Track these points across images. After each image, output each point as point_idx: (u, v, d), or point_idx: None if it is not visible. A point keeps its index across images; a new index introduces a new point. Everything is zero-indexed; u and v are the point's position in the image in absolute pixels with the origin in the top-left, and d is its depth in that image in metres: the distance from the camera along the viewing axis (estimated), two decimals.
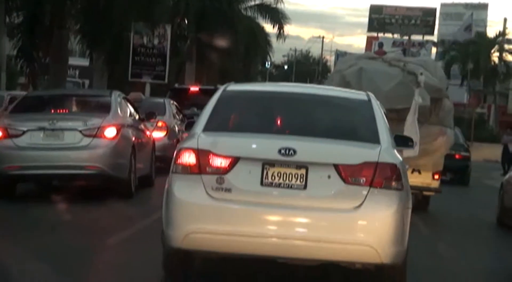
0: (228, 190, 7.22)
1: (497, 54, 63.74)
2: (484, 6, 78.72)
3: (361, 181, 7.22)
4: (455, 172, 25.10)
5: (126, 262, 8.99)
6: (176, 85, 30.18)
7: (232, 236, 7.17)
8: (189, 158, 7.32)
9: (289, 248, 7.21)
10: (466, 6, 78.50)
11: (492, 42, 64.13)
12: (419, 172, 14.80)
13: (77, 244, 9.86)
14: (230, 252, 7.36)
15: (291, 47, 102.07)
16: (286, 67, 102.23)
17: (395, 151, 7.72)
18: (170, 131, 20.89)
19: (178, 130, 21.77)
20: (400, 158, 7.64)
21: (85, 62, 33.93)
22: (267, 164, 7.24)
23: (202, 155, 7.28)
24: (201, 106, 29.75)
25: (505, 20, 63.92)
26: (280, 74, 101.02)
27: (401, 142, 8.28)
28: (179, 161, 7.38)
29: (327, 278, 8.52)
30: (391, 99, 13.12)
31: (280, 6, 43.29)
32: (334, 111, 8.25)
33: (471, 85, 67.15)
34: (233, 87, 8.52)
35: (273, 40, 45.86)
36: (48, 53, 25.21)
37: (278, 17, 43.42)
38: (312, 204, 7.21)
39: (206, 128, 7.64)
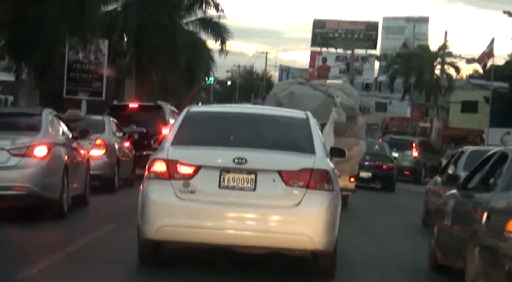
0: (193, 192, 8.89)
1: (439, 67, 63.94)
2: (425, 20, 79.17)
3: (300, 183, 8.92)
4: (383, 180, 30.41)
5: None
6: (115, 102, 29.49)
7: (195, 228, 8.84)
8: (160, 166, 9.00)
9: (242, 238, 8.90)
10: (408, 19, 78.89)
11: (434, 55, 64.36)
12: (339, 176, 16.80)
13: None
14: (194, 242, 9.02)
15: (235, 63, 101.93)
16: (229, 83, 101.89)
17: (328, 160, 9.48)
18: (109, 150, 20.26)
19: (119, 148, 21.11)
20: (332, 166, 9.41)
21: (8, 77, 32.67)
22: (223, 170, 8.95)
23: (171, 164, 8.97)
24: (141, 124, 28.91)
25: (445, 33, 64.24)
26: (224, 90, 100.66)
27: (336, 153, 10.65)
28: (152, 169, 9.06)
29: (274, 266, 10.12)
30: (315, 117, 14.96)
31: (222, 21, 42.93)
32: (278, 127, 10.00)
33: (414, 99, 67.34)
34: (195, 109, 10.44)
35: (216, 55, 45.45)
36: None
37: (220, 31, 43.02)
38: (260, 203, 8.90)
39: (174, 143, 9.39)
